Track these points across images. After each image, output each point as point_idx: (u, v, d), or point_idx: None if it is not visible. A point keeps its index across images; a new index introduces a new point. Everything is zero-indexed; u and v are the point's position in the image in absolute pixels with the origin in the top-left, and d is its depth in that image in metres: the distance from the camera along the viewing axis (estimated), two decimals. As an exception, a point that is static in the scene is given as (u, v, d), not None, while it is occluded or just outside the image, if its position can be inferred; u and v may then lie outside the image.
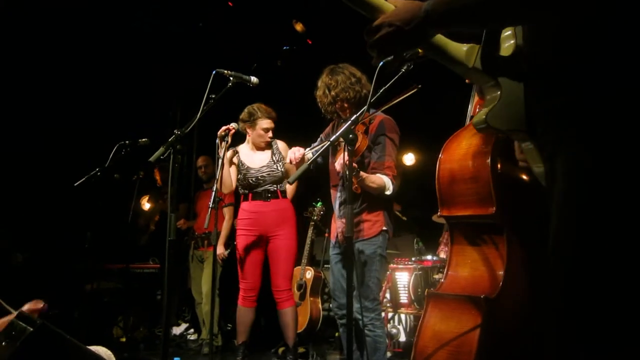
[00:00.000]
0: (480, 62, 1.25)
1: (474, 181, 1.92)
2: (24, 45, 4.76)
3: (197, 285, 5.00)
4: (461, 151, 1.99)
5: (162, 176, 5.47)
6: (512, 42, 1.25)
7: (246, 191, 3.66)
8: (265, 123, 3.58)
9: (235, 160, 3.66)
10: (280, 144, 3.73)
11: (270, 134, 3.62)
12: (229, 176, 3.58)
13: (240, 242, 3.61)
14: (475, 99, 2.18)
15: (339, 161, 2.54)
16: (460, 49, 1.27)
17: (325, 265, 5.22)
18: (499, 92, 1.22)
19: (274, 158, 3.66)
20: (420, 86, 2.51)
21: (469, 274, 1.97)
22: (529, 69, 1.12)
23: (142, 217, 5.54)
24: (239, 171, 3.64)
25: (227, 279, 5.21)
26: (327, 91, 2.79)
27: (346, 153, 2.32)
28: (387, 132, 2.74)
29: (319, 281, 4.54)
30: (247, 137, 3.71)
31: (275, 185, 3.62)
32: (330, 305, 2.91)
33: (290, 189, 3.73)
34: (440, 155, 2.06)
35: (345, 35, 5.15)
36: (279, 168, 3.62)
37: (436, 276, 4.26)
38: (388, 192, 2.65)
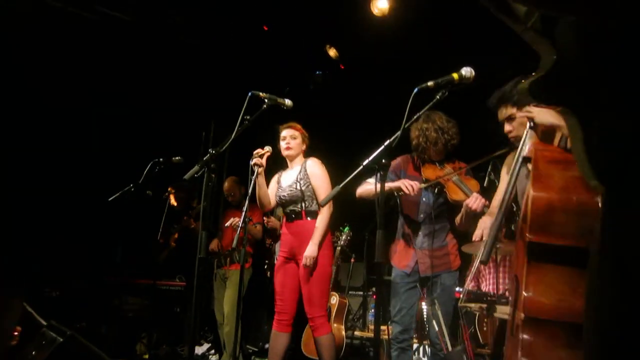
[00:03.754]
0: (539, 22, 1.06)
1: (581, 214, 1.76)
2: (59, 63, 4.92)
3: (220, 306, 4.95)
4: (559, 182, 1.85)
5: (177, 196, 5.40)
6: None
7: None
8: (282, 132, 3.53)
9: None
10: (309, 162, 3.53)
11: (285, 143, 3.50)
12: (266, 195, 3.47)
13: (276, 263, 3.63)
14: (533, 139, 2.06)
15: (475, 201, 2.71)
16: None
17: (350, 292, 5.16)
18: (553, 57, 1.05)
19: (298, 177, 3.49)
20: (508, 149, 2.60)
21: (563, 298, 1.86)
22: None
23: (161, 234, 5.50)
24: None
25: (251, 300, 5.20)
26: (441, 134, 3.08)
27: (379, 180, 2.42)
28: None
29: (344, 307, 4.48)
30: None
31: (299, 206, 3.44)
32: (391, 329, 3.18)
33: (324, 210, 3.44)
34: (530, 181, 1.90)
35: (377, 62, 5.26)
36: (297, 187, 3.43)
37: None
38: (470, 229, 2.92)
